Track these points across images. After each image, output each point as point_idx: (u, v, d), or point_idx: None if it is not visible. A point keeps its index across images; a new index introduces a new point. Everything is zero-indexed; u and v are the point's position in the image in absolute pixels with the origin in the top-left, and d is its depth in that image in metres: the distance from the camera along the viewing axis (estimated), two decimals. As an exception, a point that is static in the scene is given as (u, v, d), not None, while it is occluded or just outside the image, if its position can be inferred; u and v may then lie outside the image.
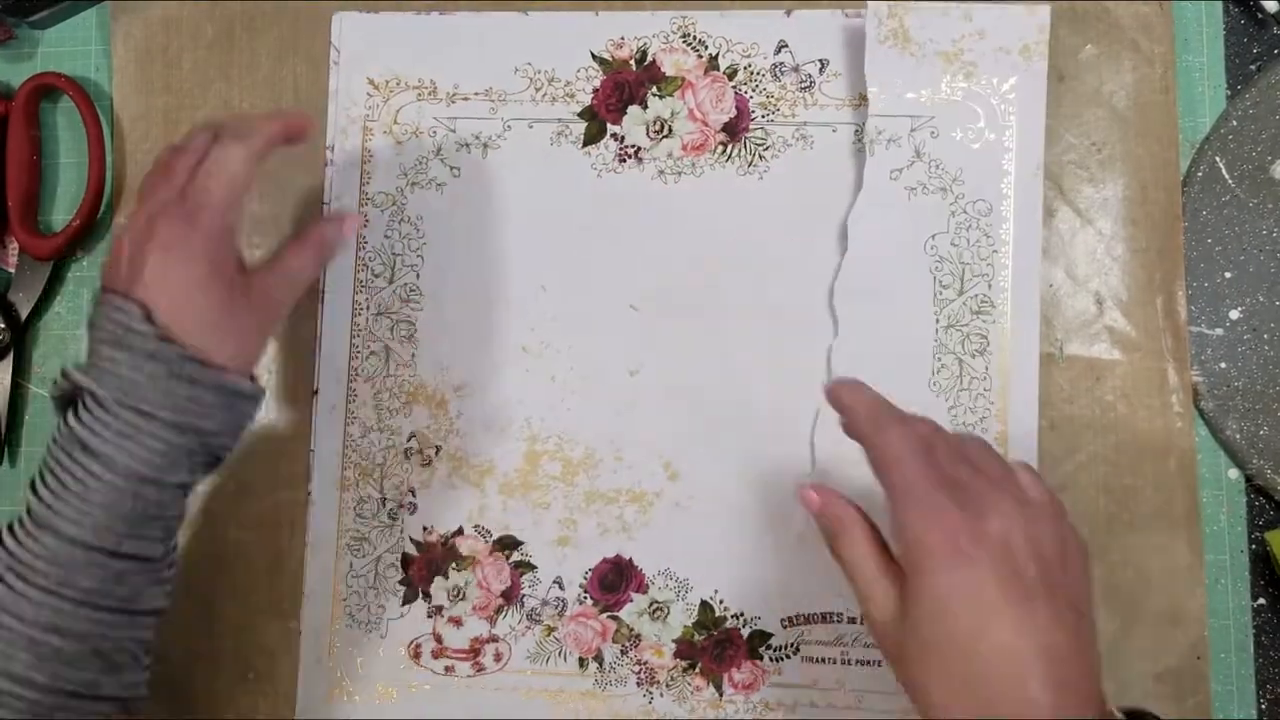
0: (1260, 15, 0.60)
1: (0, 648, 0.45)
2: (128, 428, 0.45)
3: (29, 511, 0.46)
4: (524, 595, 0.59)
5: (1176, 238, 0.59)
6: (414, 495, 0.60)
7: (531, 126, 0.60)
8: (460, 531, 0.60)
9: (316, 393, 0.60)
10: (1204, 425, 0.59)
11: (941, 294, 0.58)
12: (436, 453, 0.60)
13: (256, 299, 0.50)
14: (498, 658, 0.59)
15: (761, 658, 0.59)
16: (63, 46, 0.64)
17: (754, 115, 0.60)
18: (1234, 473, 0.59)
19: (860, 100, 0.59)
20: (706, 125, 0.60)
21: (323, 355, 0.60)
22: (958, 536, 0.40)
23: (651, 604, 0.59)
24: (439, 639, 0.59)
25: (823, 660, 0.58)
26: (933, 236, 0.58)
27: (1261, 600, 0.59)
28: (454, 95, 0.61)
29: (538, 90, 0.60)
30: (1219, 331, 0.59)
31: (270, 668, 0.60)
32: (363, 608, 0.60)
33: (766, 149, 0.59)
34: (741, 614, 0.59)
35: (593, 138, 0.60)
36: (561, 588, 0.59)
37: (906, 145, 0.58)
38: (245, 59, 0.62)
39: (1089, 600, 0.41)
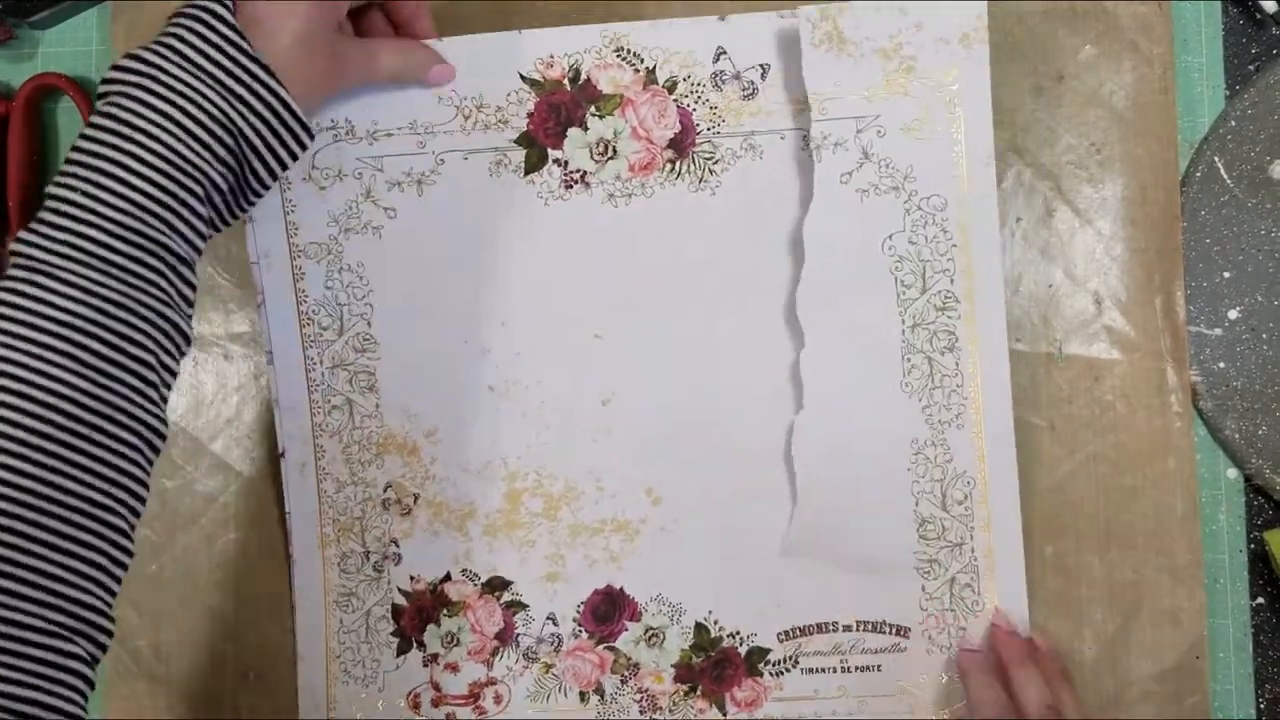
0: (1259, 15, 0.61)
1: (35, 355, 0.43)
2: (176, 110, 0.46)
3: (56, 210, 0.45)
4: (518, 634, 0.59)
5: (1175, 238, 0.59)
6: (397, 545, 0.59)
7: (466, 158, 0.58)
8: (448, 577, 0.59)
9: (283, 454, 0.59)
10: (1203, 425, 0.59)
11: (904, 294, 0.57)
12: (415, 500, 0.59)
13: (335, 62, 0.51)
14: (498, 700, 0.59)
15: (761, 674, 0.58)
16: (63, 47, 0.64)
17: (699, 129, 0.57)
18: (1233, 472, 0.59)
19: (804, 104, 0.56)
20: (652, 143, 0.58)
21: (283, 414, 0.58)
22: None
23: (647, 631, 0.59)
24: (437, 687, 0.59)
25: (822, 670, 0.58)
26: (889, 236, 0.57)
27: (1260, 600, 0.59)
28: (374, 132, 0.57)
29: (467, 118, 0.57)
30: (1218, 331, 0.59)
31: (270, 668, 0.60)
32: (357, 663, 0.59)
33: (716, 163, 0.57)
34: (737, 632, 0.58)
35: (534, 165, 0.58)
36: (555, 623, 0.59)
37: (854, 147, 0.56)
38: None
39: None
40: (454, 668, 0.59)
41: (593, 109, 0.57)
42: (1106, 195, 0.59)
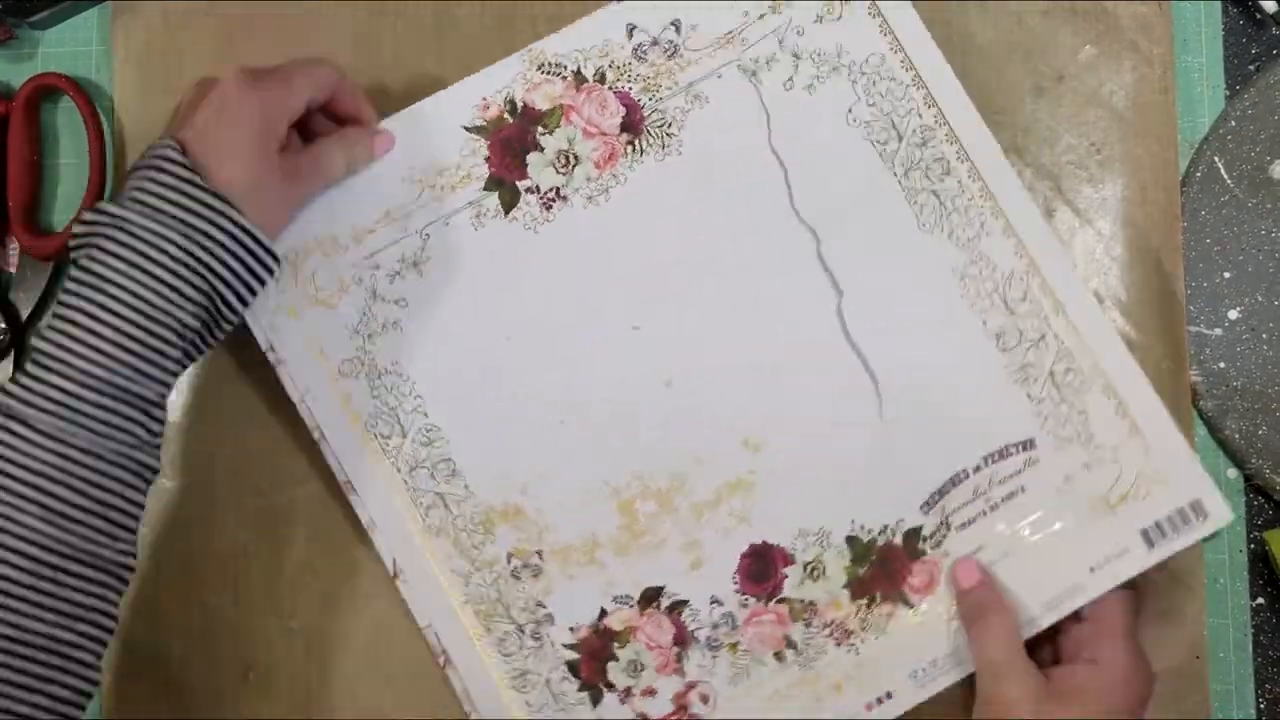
0: (1259, 15, 0.61)
1: (6, 502, 0.45)
2: (141, 259, 0.47)
3: (34, 360, 0.47)
4: (693, 631, 0.58)
5: (1175, 238, 0.59)
6: (544, 606, 0.58)
7: (448, 223, 0.58)
8: (603, 612, 0.58)
9: (396, 576, 0.58)
10: (1203, 425, 0.59)
11: (885, 150, 0.58)
12: (540, 557, 0.58)
13: (287, 177, 0.52)
14: (704, 699, 0.58)
15: (924, 553, 0.57)
16: (63, 47, 0.64)
17: (642, 104, 0.59)
18: (1233, 472, 0.59)
19: (727, 39, 0.59)
20: (605, 134, 0.59)
21: (383, 533, 0.58)
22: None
23: (806, 567, 0.58)
24: (645, 717, 0.58)
25: (973, 521, 0.57)
26: (849, 110, 0.58)
27: (1260, 600, 0.59)
28: (357, 235, 0.58)
29: (433, 187, 0.58)
30: (1218, 331, 0.59)
31: (270, 668, 0.60)
32: None
33: (669, 126, 0.59)
34: (885, 527, 0.58)
35: (510, 203, 0.58)
36: (721, 603, 0.58)
37: (783, 56, 0.59)
38: (245, 60, 0.62)
39: None
40: (651, 691, 0.58)
41: (540, 129, 0.59)
42: (1106, 195, 0.59)
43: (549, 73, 0.59)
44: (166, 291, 0.47)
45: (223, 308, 0.50)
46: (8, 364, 0.62)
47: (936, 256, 0.58)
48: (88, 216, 0.48)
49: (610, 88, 0.59)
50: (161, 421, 0.49)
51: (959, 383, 0.58)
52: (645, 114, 0.59)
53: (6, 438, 0.45)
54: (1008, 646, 0.53)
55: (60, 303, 0.47)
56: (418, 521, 0.58)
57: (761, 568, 0.58)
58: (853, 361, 0.58)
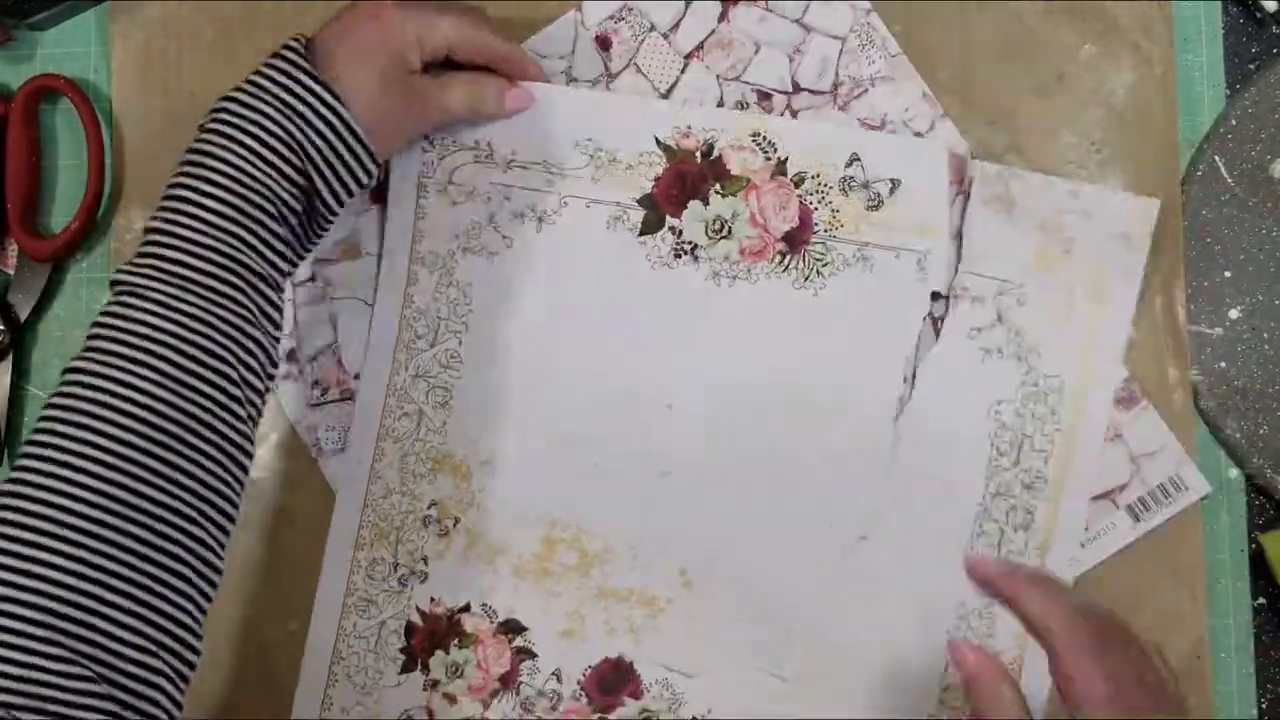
0: (1259, 15, 0.61)
1: (120, 368, 0.44)
2: (239, 133, 0.48)
3: (145, 240, 0.47)
4: (521, 683, 0.58)
5: (1176, 237, 0.59)
6: (426, 564, 0.59)
7: (589, 206, 0.58)
8: (467, 608, 0.59)
9: (345, 448, 0.59)
10: (1203, 425, 0.59)
11: (997, 461, 0.57)
12: (455, 524, 0.59)
13: (409, 98, 0.53)
14: None
15: None
16: (62, 48, 0.64)
17: (816, 228, 0.58)
18: (1234, 472, 0.59)
19: (926, 229, 0.57)
20: (767, 232, 0.58)
21: (358, 407, 0.59)
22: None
23: (642, 712, 0.58)
24: (430, 714, 0.58)
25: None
26: (999, 402, 0.57)
27: (1261, 600, 0.59)
28: (511, 162, 0.58)
29: (598, 169, 0.58)
30: (1218, 331, 0.59)
31: (270, 668, 0.60)
32: (360, 670, 0.59)
33: (825, 265, 0.58)
34: None
35: (650, 228, 0.58)
36: (559, 680, 0.58)
37: (990, 307, 0.57)
38: (245, 60, 0.61)
39: None
40: (451, 699, 0.58)
41: (717, 186, 0.58)
42: (1107, 195, 0.59)
43: (759, 144, 0.58)
44: (263, 165, 0.48)
45: (317, 200, 0.51)
46: (6, 366, 0.62)
47: (959, 582, 0.52)
48: (212, 106, 0.50)
49: (800, 196, 0.58)
50: (276, 307, 0.50)
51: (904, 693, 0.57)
52: (812, 240, 0.58)
53: (119, 309, 0.46)
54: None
55: (170, 183, 0.48)
56: (389, 417, 0.59)
57: (614, 682, 0.58)
58: (827, 592, 0.57)
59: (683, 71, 0.60)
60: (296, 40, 0.51)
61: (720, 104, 0.60)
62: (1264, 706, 0.58)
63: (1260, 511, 0.59)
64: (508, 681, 0.58)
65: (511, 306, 0.59)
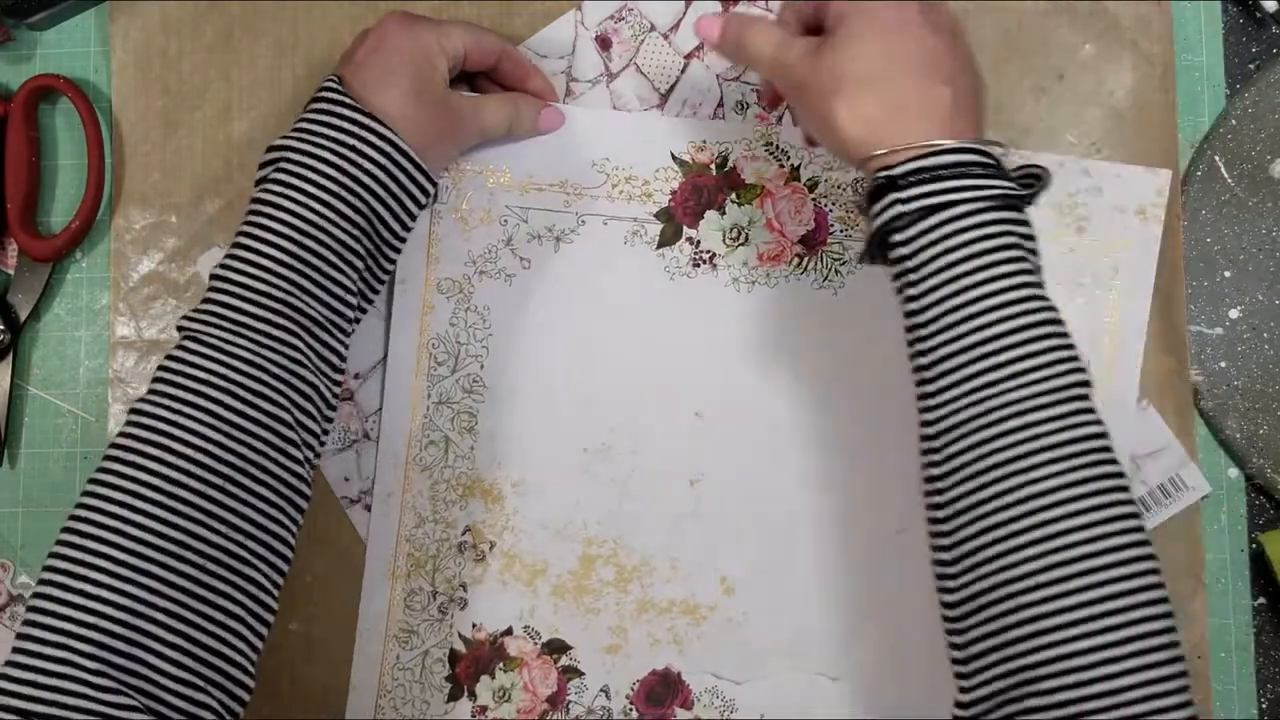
0: (1259, 15, 0.61)
1: (175, 410, 0.46)
2: (297, 180, 0.49)
3: (208, 289, 0.49)
4: (570, 702, 0.58)
5: (1176, 237, 0.59)
6: (465, 591, 0.58)
7: (606, 224, 0.59)
8: (510, 631, 0.58)
9: (373, 482, 0.59)
10: (1204, 425, 0.59)
11: None
12: (491, 548, 0.58)
13: (448, 116, 0.54)
14: None
15: None
16: (61, 48, 0.64)
17: (832, 229, 0.58)
18: (1234, 472, 0.59)
19: None
20: (784, 236, 0.59)
21: (382, 439, 0.59)
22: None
23: None
24: None
25: None
26: None
27: (1261, 599, 0.59)
28: (527, 185, 0.59)
29: (614, 187, 0.59)
30: (1219, 331, 0.59)
31: (271, 668, 0.60)
32: (407, 702, 0.58)
33: (843, 264, 0.58)
34: None
35: (668, 240, 0.59)
36: (608, 697, 0.58)
37: None
38: (244, 60, 0.62)
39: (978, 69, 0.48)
40: None
41: (733, 196, 0.59)
42: (1107, 195, 0.59)
43: (772, 153, 0.59)
44: (322, 209, 0.49)
45: (382, 229, 0.51)
46: (6, 366, 0.62)
47: None
48: (265, 156, 0.51)
49: (815, 199, 0.59)
50: (335, 351, 0.50)
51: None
52: (829, 241, 0.59)
53: (179, 353, 0.47)
54: (776, 40, 0.49)
55: (235, 235, 0.50)
56: (415, 447, 0.59)
57: (662, 693, 0.58)
58: (868, 588, 0.57)
59: (683, 71, 0.60)
60: (331, 79, 0.52)
61: (720, 104, 0.60)
62: (1264, 706, 0.58)
63: (1260, 511, 0.59)
64: (556, 702, 0.58)
65: (532, 327, 0.59)
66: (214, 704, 0.44)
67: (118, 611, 0.43)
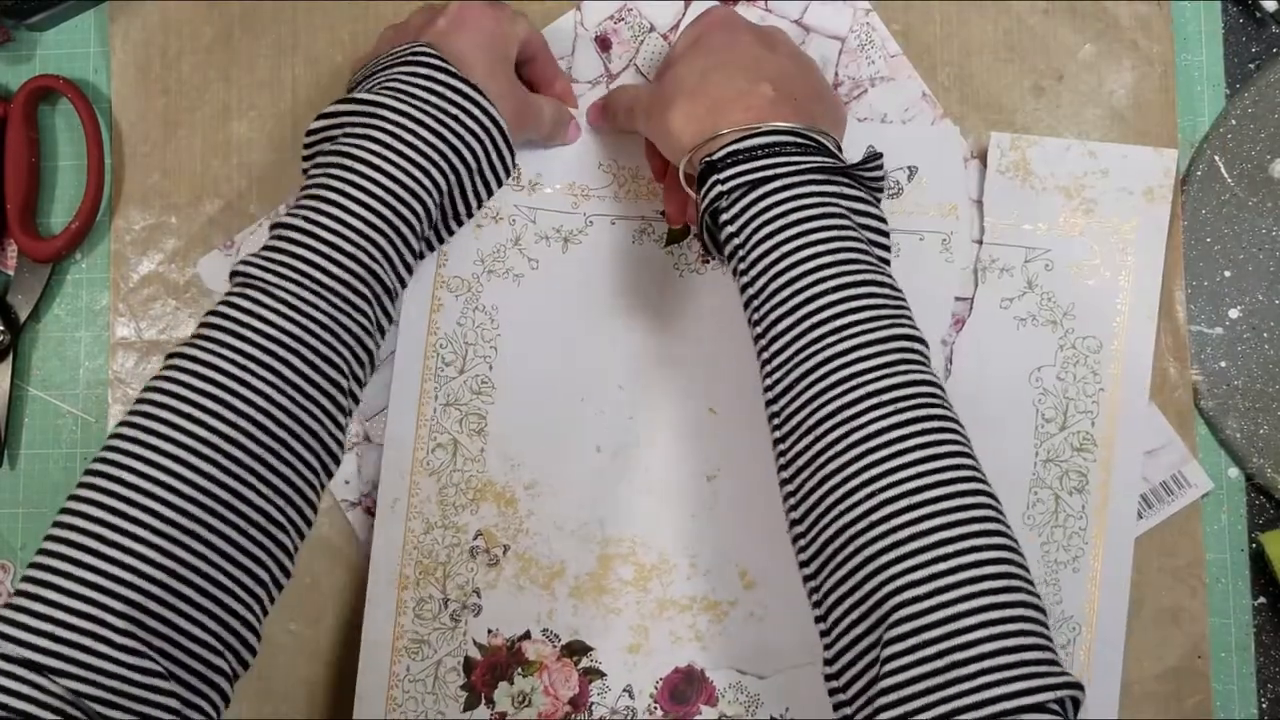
0: (1259, 15, 0.61)
1: (240, 365, 0.43)
2: (396, 140, 0.48)
3: (277, 236, 0.46)
4: (593, 703, 0.57)
5: (1176, 237, 0.59)
6: (479, 596, 0.58)
7: (614, 223, 0.59)
8: (527, 635, 0.58)
9: (376, 486, 0.58)
10: (1204, 424, 0.59)
11: (1043, 427, 0.57)
12: (505, 552, 0.58)
13: (525, 105, 0.54)
14: None
15: None
16: (61, 49, 0.64)
17: None
18: (1234, 472, 0.59)
19: (949, 210, 0.58)
20: None
21: (387, 444, 0.58)
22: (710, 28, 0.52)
23: (721, 718, 0.57)
24: None
25: None
26: (1039, 368, 0.57)
27: (1262, 599, 0.59)
28: (536, 184, 0.59)
29: (621, 186, 0.59)
30: (1219, 330, 0.59)
31: (271, 667, 0.60)
32: (420, 714, 0.57)
33: None
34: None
35: (676, 237, 0.59)
36: (631, 697, 0.58)
37: (1019, 275, 0.57)
38: (244, 60, 0.62)
39: (820, 78, 0.53)
40: None
41: None
42: (1107, 195, 0.59)
43: None
44: (418, 174, 0.48)
45: (460, 202, 0.51)
46: (6, 366, 0.62)
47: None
48: (331, 109, 0.49)
49: None
50: (390, 318, 0.49)
51: None
52: None
53: (246, 304, 0.45)
54: (632, 91, 0.57)
55: (306, 187, 0.48)
56: (422, 450, 0.58)
57: (686, 691, 0.58)
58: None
59: (683, 71, 0.60)
60: (424, 45, 0.50)
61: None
62: (1264, 706, 0.58)
63: (1260, 511, 0.59)
64: (579, 704, 0.58)
65: (541, 326, 0.59)
66: (225, 667, 0.43)
67: (157, 571, 0.40)
